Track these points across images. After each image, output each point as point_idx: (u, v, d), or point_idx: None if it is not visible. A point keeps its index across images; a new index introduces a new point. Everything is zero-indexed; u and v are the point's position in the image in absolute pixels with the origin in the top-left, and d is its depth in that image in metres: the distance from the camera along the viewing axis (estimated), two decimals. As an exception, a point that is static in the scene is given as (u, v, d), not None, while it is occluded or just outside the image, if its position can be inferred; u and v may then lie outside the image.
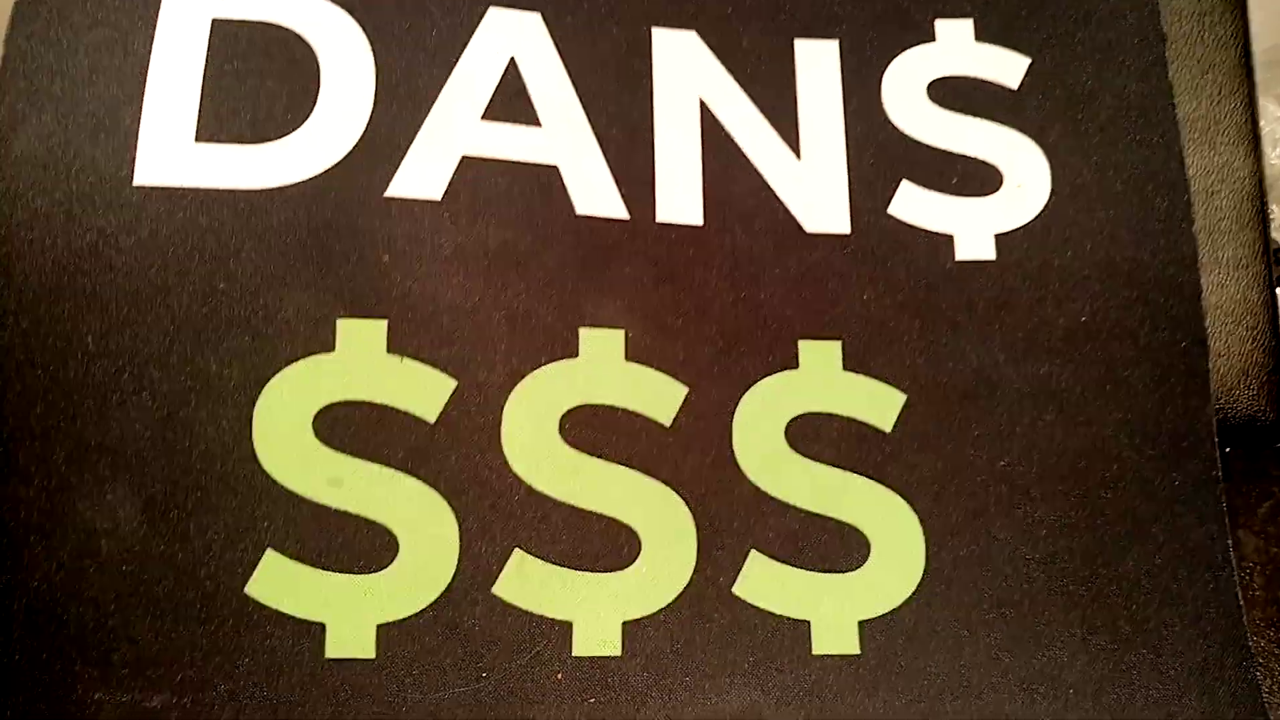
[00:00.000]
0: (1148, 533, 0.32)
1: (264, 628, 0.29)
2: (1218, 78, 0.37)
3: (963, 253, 0.34)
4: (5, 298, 0.30)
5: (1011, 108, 0.35)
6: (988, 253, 0.34)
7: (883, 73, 0.35)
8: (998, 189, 0.34)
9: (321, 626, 0.30)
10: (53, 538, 0.29)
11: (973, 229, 0.34)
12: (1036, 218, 0.34)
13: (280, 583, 0.30)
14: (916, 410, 0.32)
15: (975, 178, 0.34)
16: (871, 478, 0.32)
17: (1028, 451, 0.32)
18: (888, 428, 0.32)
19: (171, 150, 0.32)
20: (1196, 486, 0.32)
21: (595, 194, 0.33)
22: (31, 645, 0.29)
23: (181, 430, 0.30)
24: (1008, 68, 0.35)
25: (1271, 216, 0.37)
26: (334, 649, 0.30)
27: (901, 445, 0.32)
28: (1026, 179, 0.34)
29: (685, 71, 0.34)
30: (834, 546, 0.31)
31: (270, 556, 0.30)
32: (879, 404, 0.32)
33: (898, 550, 0.31)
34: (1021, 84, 0.35)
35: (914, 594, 0.31)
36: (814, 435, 0.32)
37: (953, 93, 0.35)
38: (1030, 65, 0.35)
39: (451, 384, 0.31)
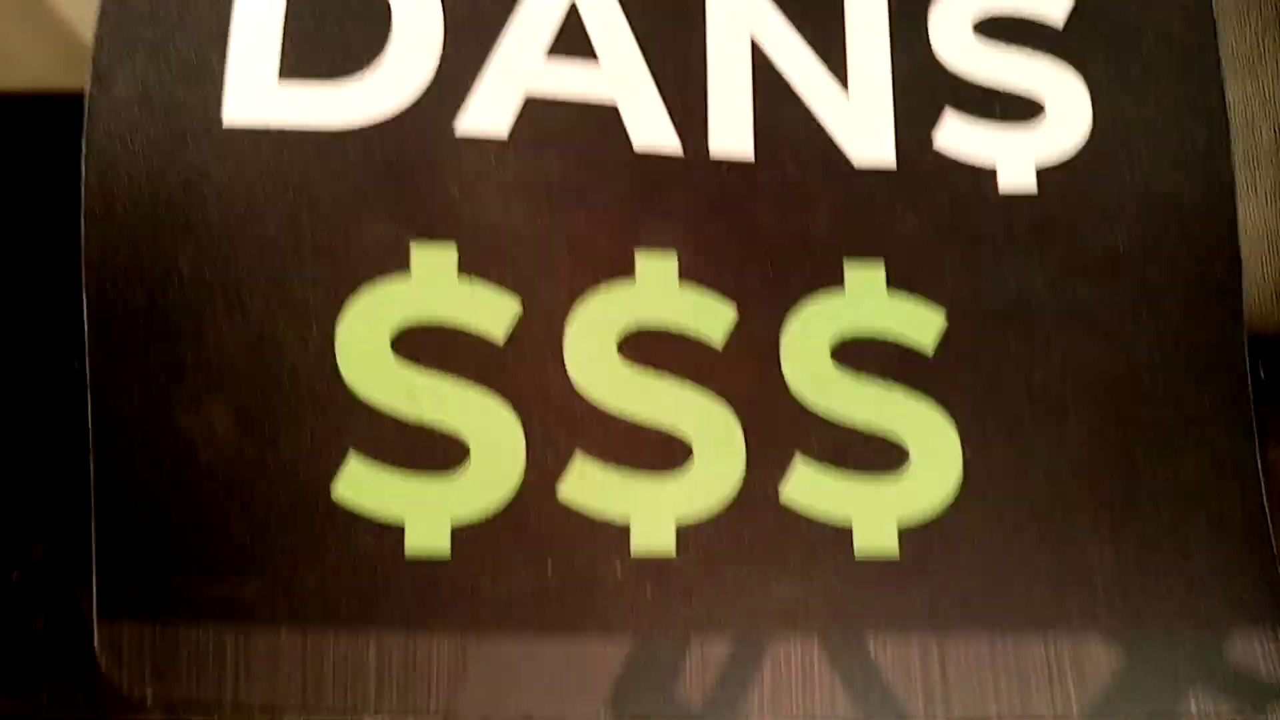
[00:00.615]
0: (1179, 446, 0.33)
1: (348, 528, 0.32)
2: (1264, 11, 0.38)
3: (1005, 185, 0.35)
4: (108, 228, 0.33)
5: (1056, 44, 0.36)
6: (1029, 186, 0.35)
7: (929, 9, 0.36)
8: (1040, 123, 0.36)
9: (401, 529, 0.32)
10: (154, 447, 0.32)
11: (1015, 162, 0.35)
12: (1078, 151, 0.35)
13: (363, 485, 0.32)
14: (957, 330, 0.34)
15: (1018, 111, 0.36)
16: (912, 392, 0.33)
17: (1064, 370, 0.34)
18: (929, 346, 0.34)
19: (256, 90, 0.34)
20: (1227, 403, 0.34)
21: (651, 130, 0.35)
22: (137, 542, 0.32)
23: (270, 348, 0.32)
24: (1053, 4, 0.36)
25: (1313, 148, 0.38)
26: (413, 549, 0.32)
27: (942, 363, 0.34)
28: (1069, 112, 0.36)
29: (736, 10, 0.36)
30: (875, 456, 0.33)
31: (354, 461, 0.32)
32: (921, 323, 0.34)
33: (936, 460, 0.33)
34: (1067, 21, 0.36)
35: (951, 503, 0.33)
36: (858, 354, 0.34)
37: (998, 29, 0.36)
38: (1075, 2, 0.36)
39: (517, 305, 0.33)
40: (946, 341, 0.34)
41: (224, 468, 0.32)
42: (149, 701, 0.32)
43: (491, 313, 0.33)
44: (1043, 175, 0.35)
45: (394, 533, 0.32)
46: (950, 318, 0.34)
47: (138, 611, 0.32)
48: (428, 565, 0.32)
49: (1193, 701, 0.32)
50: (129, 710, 0.32)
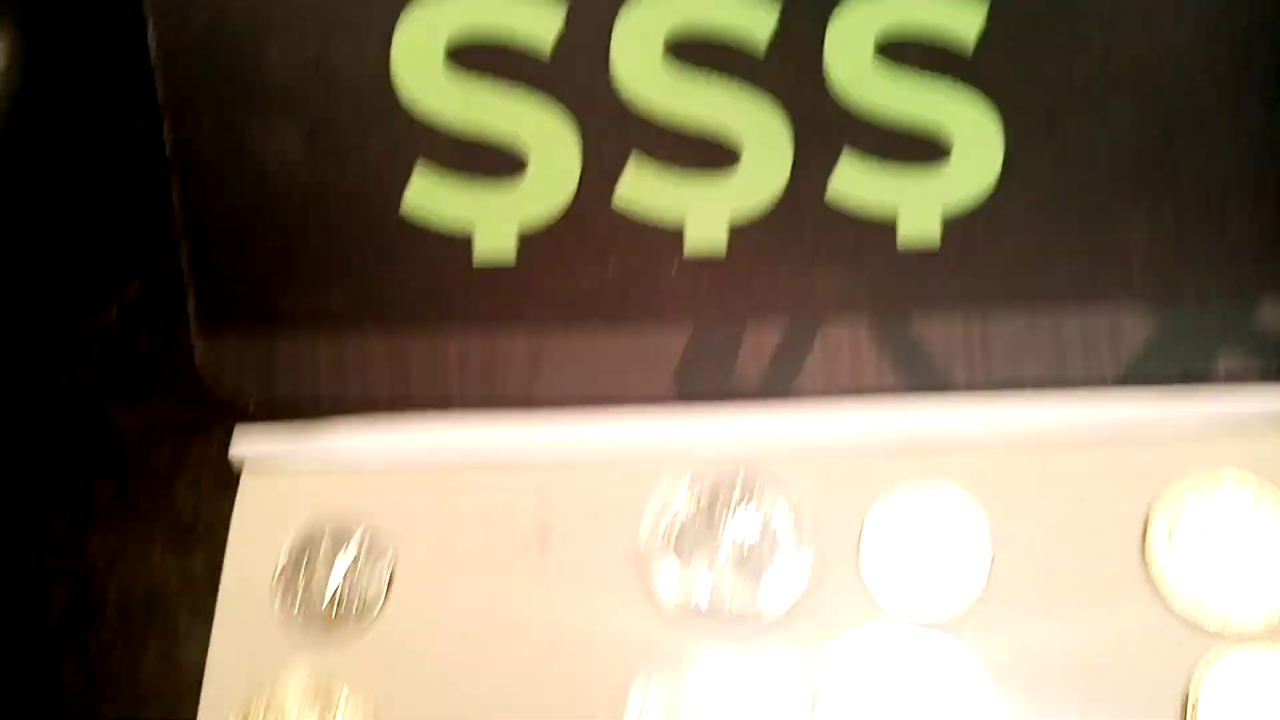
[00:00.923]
0: (1217, 129, 0.34)
1: (419, 238, 0.34)
2: None
3: None
4: None
5: None
6: None
7: None
8: None
9: (468, 238, 0.34)
10: (232, 171, 0.34)
11: None
12: None
13: (430, 197, 0.34)
14: (998, 22, 0.34)
15: None
16: (955, 85, 0.34)
17: (1105, 60, 0.34)
18: (971, 39, 0.34)
19: None
20: (1265, 86, 0.34)
21: None
22: (226, 262, 0.34)
23: (329, 69, 0.34)
24: None
25: None
26: (481, 255, 0.34)
27: (984, 55, 0.34)
28: None
29: None
30: (919, 149, 0.34)
31: (419, 175, 0.34)
32: (963, 17, 0.34)
33: (978, 150, 0.34)
34: None
35: (992, 190, 0.34)
36: (901, 51, 0.34)
37: None
38: None
39: (563, 12, 0.34)
40: (988, 34, 0.34)
41: (298, 188, 0.34)
42: (251, 407, 0.35)
43: (539, 19, 0.34)
44: None
45: (462, 241, 0.34)
46: (991, 10, 0.34)
47: (233, 326, 0.34)
48: (496, 270, 0.34)
49: (1222, 362, 0.34)
50: (234, 415, 0.36)
